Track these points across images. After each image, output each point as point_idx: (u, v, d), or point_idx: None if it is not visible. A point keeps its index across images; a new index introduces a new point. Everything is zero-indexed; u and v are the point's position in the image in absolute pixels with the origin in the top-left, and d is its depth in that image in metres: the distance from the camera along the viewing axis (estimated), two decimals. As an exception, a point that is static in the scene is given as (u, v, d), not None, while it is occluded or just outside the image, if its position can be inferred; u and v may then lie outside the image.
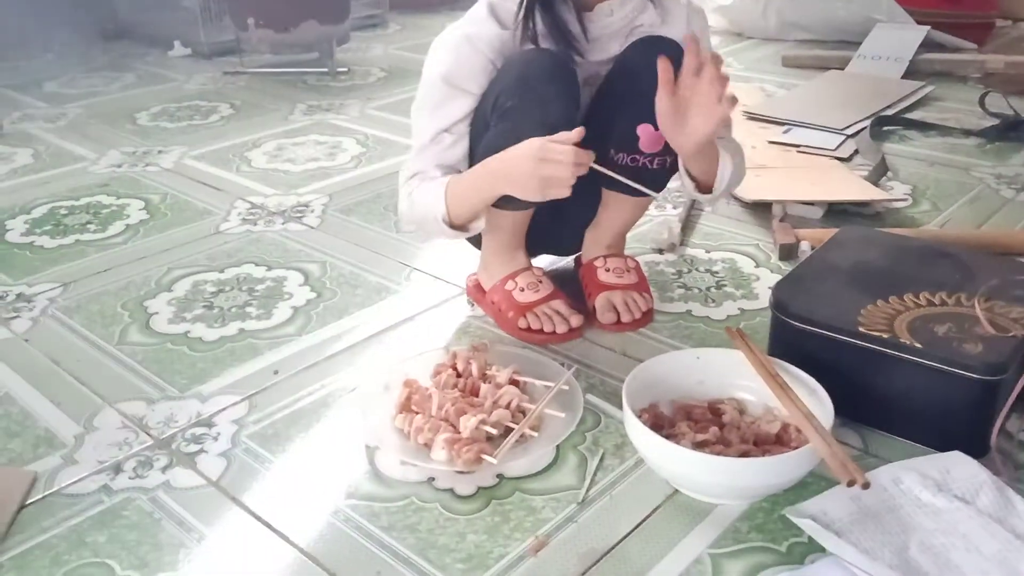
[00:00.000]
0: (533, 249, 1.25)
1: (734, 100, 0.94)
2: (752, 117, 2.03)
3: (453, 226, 1.08)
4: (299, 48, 2.53)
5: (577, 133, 0.95)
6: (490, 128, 1.06)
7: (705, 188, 1.10)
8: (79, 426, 1.00)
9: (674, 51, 1.05)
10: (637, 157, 1.11)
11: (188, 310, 1.25)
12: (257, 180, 1.73)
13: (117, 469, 0.93)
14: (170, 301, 1.27)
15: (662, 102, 0.98)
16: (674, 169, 1.14)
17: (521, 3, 1.05)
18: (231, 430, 0.99)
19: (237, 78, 2.46)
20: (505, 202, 1.07)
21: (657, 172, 1.13)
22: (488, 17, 1.05)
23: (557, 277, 1.26)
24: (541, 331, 1.15)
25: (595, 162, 0.99)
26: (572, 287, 1.25)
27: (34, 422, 1.01)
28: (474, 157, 1.10)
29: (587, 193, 1.18)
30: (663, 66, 0.96)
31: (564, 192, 0.98)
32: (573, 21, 1.06)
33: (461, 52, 1.05)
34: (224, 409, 1.03)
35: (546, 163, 0.95)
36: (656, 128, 1.05)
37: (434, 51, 1.09)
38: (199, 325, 1.21)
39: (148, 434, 0.99)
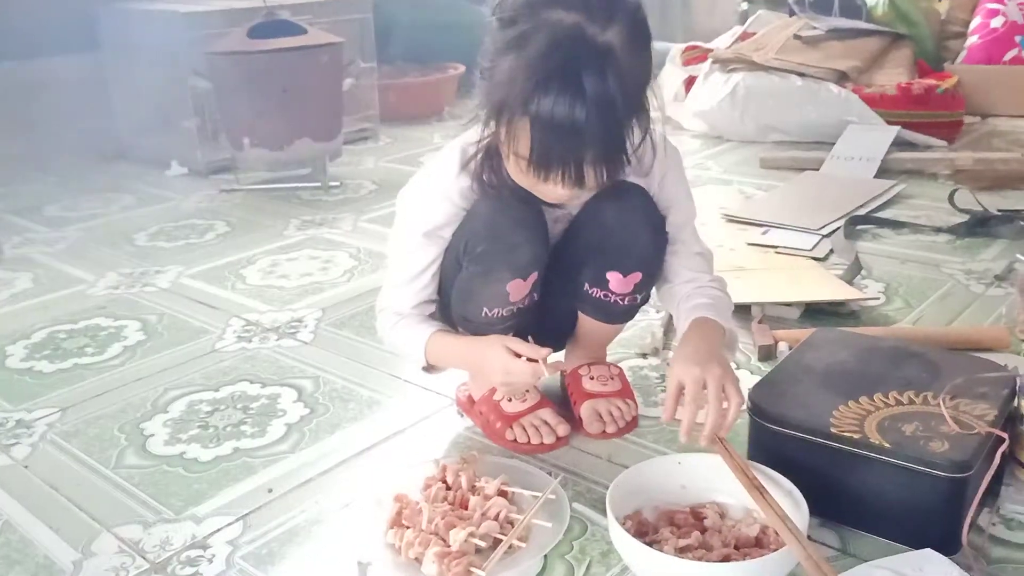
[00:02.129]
0: None
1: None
2: (731, 219, 2.10)
3: (430, 369, 1.19)
4: (293, 165, 2.63)
5: (546, 352, 1.05)
6: (462, 269, 1.11)
7: None
8: (77, 552, 1.02)
9: (640, 200, 1.11)
10: (608, 294, 1.17)
11: (184, 431, 1.28)
12: (252, 297, 1.78)
13: (113, 595, 0.94)
14: (166, 422, 1.30)
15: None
16: (646, 301, 1.22)
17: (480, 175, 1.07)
18: (226, 551, 1.01)
19: (233, 195, 2.55)
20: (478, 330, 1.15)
21: (628, 308, 1.20)
22: (459, 172, 1.08)
23: (543, 384, 1.30)
24: (528, 443, 1.18)
25: (562, 299, 1.16)
26: (559, 392, 1.29)
27: (34, 549, 1.03)
28: (445, 288, 1.16)
29: (565, 310, 1.24)
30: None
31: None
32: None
33: (436, 207, 1.10)
34: (219, 530, 1.05)
35: (509, 377, 1.07)
36: (624, 275, 1.13)
37: (410, 202, 1.13)
38: (194, 445, 1.24)
39: (144, 558, 1.00)
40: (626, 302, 1.18)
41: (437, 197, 1.10)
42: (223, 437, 1.26)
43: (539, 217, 1.10)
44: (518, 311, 1.14)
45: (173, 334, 1.62)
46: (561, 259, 1.16)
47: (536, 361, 1.05)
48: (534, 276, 1.12)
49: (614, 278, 1.15)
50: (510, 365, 1.06)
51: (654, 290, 1.23)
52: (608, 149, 0.92)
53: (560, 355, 1.33)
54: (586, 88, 0.87)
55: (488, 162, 1.05)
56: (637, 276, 1.15)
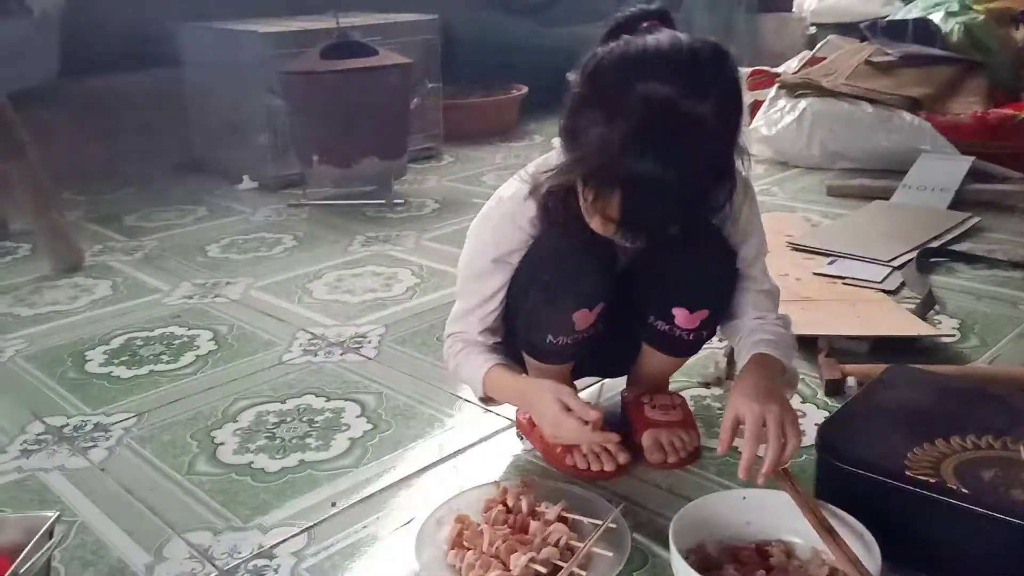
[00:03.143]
0: (580, 371, 1.29)
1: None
2: (797, 248, 2.07)
3: (488, 400, 1.20)
4: (359, 182, 2.68)
5: (596, 417, 1.04)
6: (529, 296, 1.12)
7: None
8: (149, 555, 1.05)
9: (713, 237, 1.10)
10: (674, 328, 1.17)
11: (252, 441, 1.31)
12: (318, 311, 1.82)
13: (184, 601, 0.97)
14: (235, 431, 1.34)
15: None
16: (710, 338, 1.21)
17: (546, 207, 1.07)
18: (291, 562, 1.03)
19: (300, 210, 2.60)
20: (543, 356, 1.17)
21: (692, 343, 1.20)
22: (527, 197, 1.08)
23: (605, 410, 1.29)
24: (588, 469, 1.18)
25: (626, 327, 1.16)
26: (619, 419, 1.28)
27: (108, 551, 1.07)
28: (512, 315, 1.16)
29: (628, 339, 1.24)
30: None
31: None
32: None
33: (504, 231, 1.11)
34: (284, 541, 1.07)
35: (557, 430, 1.07)
36: (692, 311, 1.13)
37: (481, 224, 1.15)
38: (262, 456, 1.27)
39: (213, 564, 1.03)
40: (691, 337, 1.18)
41: (507, 223, 1.11)
42: (289, 449, 1.28)
43: (607, 247, 1.09)
44: (583, 339, 1.15)
45: (242, 345, 1.66)
46: (628, 288, 1.16)
47: (586, 422, 1.05)
48: (600, 306, 1.12)
49: (680, 314, 1.15)
50: (560, 419, 1.06)
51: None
52: (695, 213, 0.94)
53: (617, 385, 1.33)
54: (678, 162, 0.87)
55: (558, 194, 1.05)
56: (704, 313, 1.15)
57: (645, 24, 0.95)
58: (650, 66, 0.89)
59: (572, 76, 0.95)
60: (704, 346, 1.52)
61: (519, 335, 1.18)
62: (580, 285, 1.09)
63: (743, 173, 1.02)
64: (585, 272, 1.08)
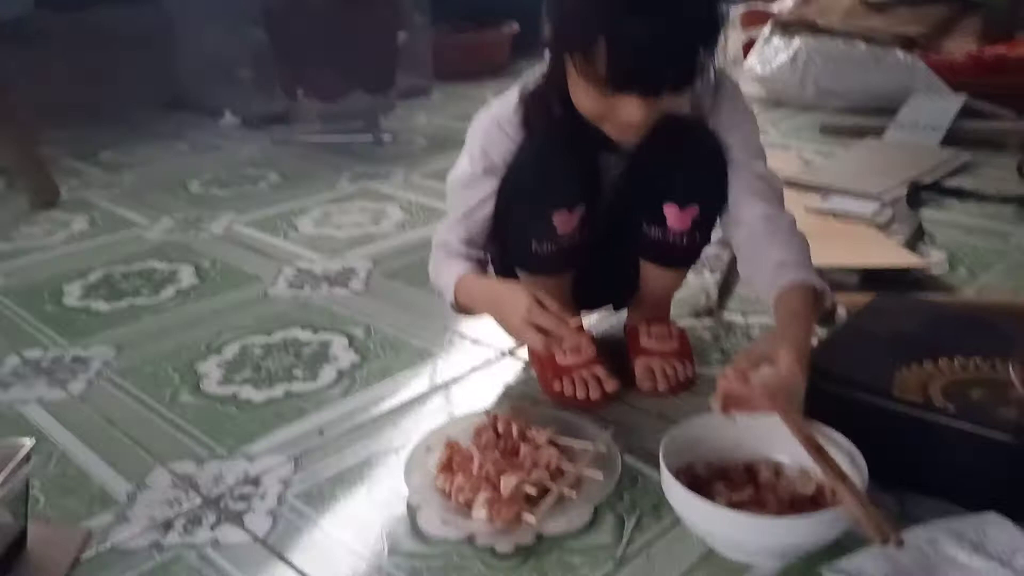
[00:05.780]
0: (584, 300, 1.27)
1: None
2: (790, 184, 2.05)
3: (461, 310, 1.15)
4: (346, 117, 2.63)
5: (575, 322, 1.00)
6: (512, 205, 1.11)
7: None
8: (132, 485, 1.04)
9: (697, 132, 1.09)
10: (667, 233, 1.14)
11: (237, 372, 1.29)
12: (304, 246, 1.79)
13: (168, 526, 0.96)
14: (220, 364, 1.32)
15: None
16: (706, 243, 1.18)
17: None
18: (277, 489, 1.02)
19: (286, 146, 2.56)
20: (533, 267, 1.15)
21: (687, 248, 1.17)
22: (518, 104, 1.09)
23: (606, 339, 1.29)
24: (574, 396, 1.17)
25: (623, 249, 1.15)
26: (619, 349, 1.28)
27: (89, 481, 1.05)
28: (500, 230, 1.15)
29: (626, 264, 1.23)
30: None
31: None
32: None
33: (491, 137, 1.10)
34: (271, 469, 1.06)
35: (525, 328, 1.00)
36: (681, 208, 1.10)
37: (472, 132, 1.14)
38: (247, 387, 1.25)
39: (198, 493, 1.02)
40: (685, 241, 1.15)
41: (494, 129, 1.10)
42: (275, 380, 1.27)
43: (588, 152, 1.09)
44: (568, 248, 1.12)
45: (226, 279, 1.63)
46: (619, 205, 1.15)
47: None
48: (581, 209, 1.10)
49: (671, 212, 1.12)
50: (535, 312, 0.99)
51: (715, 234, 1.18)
52: (684, 48, 0.93)
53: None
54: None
55: (540, 97, 1.06)
56: (694, 210, 1.12)
57: None
58: None
59: None
60: (694, 277, 1.52)
61: (509, 250, 1.17)
62: (557, 185, 1.08)
63: (725, 71, 1.04)
64: (562, 172, 1.08)
